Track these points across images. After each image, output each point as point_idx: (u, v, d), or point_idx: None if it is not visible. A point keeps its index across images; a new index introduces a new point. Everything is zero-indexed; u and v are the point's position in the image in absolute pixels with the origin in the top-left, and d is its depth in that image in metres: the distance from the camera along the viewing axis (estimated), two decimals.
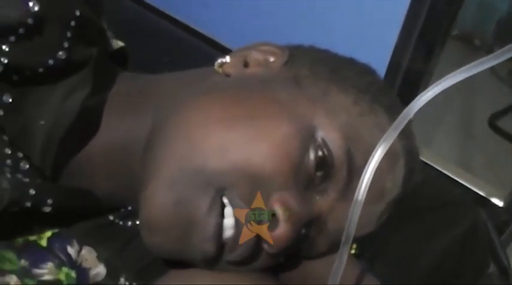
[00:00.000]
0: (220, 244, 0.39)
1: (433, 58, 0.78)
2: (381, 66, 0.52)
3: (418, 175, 0.49)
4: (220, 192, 0.39)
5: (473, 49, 1.90)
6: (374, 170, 0.32)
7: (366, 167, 0.33)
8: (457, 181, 0.71)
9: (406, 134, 0.45)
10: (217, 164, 0.39)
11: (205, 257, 0.40)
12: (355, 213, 0.32)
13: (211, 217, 0.38)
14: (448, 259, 0.65)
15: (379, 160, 0.32)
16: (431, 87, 0.29)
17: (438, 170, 0.72)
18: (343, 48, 0.51)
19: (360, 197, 0.31)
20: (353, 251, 0.54)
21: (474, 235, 0.66)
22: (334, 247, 0.45)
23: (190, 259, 0.41)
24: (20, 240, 0.41)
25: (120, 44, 0.53)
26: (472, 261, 0.66)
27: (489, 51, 1.87)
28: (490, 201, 0.67)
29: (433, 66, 0.79)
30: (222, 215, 0.39)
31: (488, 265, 0.65)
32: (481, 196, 0.69)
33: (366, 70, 0.50)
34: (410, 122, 0.38)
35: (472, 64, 0.28)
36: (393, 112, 0.47)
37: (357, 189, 0.32)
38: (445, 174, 0.72)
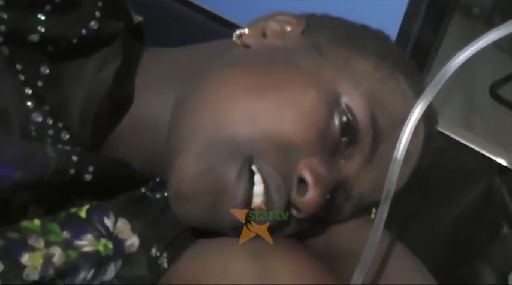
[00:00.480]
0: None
1: (442, 27, 0.78)
2: (390, 35, 0.52)
3: (436, 141, 0.50)
4: (249, 160, 0.39)
5: (472, 19, 1.89)
6: (414, 128, 0.32)
7: (406, 124, 0.33)
8: (470, 147, 0.72)
9: None
10: (245, 132, 0.39)
11: (235, 225, 0.40)
12: (394, 171, 0.32)
13: (241, 184, 0.39)
14: (464, 223, 0.66)
15: (418, 118, 0.32)
16: (469, 45, 0.30)
17: (450, 136, 0.73)
18: (352, 17, 0.51)
19: (399, 156, 0.32)
20: (372, 216, 0.54)
21: (488, 199, 0.67)
22: (356, 212, 0.46)
23: (219, 227, 0.42)
24: (62, 213, 0.42)
25: (139, 18, 0.52)
26: (487, 223, 0.67)
27: (488, 19, 1.86)
28: (503, 166, 0.69)
29: (442, 35, 0.79)
30: (252, 183, 0.39)
31: (501, 227, 0.67)
32: (494, 161, 0.70)
33: (381, 37, 0.50)
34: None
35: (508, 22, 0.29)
36: (412, 78, 0.47)
37: (396, 147, 0.33)
38: (458, 140, 0.73)
